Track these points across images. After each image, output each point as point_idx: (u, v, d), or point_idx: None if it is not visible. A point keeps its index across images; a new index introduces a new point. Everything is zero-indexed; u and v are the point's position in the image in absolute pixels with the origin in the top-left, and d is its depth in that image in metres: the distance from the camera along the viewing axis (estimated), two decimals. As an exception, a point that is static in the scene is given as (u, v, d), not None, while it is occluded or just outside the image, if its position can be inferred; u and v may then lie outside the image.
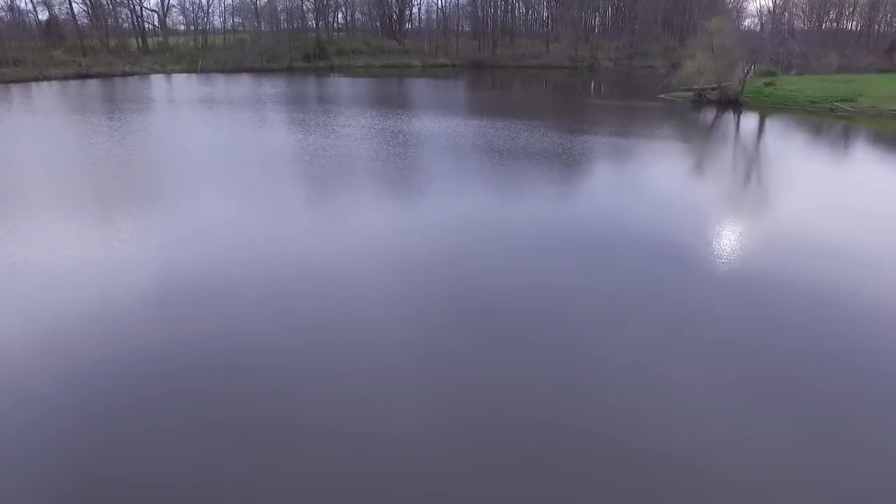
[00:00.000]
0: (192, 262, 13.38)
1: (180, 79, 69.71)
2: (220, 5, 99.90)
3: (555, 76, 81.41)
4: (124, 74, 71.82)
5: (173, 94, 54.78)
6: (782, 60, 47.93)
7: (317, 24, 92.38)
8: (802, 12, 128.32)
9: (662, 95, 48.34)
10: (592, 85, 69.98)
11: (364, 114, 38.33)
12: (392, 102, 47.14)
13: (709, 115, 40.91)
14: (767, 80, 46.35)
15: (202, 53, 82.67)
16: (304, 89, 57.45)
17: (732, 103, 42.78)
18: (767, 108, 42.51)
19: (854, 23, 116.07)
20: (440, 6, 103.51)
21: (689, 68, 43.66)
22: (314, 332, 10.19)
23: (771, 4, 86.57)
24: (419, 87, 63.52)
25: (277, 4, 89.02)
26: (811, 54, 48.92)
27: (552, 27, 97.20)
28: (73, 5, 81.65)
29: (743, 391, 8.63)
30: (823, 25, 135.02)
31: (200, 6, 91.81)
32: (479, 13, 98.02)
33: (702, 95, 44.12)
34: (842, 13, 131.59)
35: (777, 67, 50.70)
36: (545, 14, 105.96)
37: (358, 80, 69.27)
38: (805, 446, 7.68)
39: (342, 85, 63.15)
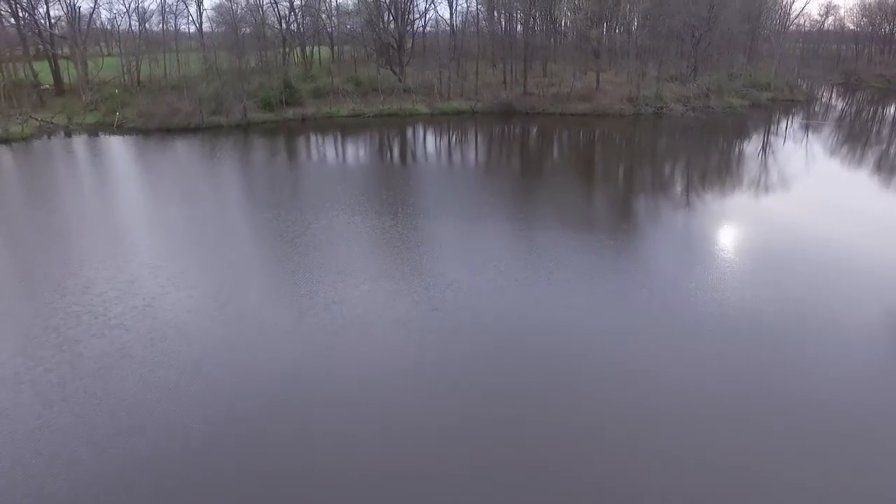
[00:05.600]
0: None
1: (78, 154, 46.14)
2: (160, 20, 74.21)
3: (614, 127, 58.42)
4: (-9, 142, 48.15)
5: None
6: None
7: (284, 53, 68.33)
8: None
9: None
10: (690, 155, 46.65)
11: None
12: (390, 275, 23.80)
13: None
14: None
15: (124, 98, 59.05)
16: (247, 227, 33.71)
17: None
18: None
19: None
20: (451, 23, 78.93)
21: None
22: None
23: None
24: (431, 198, 40.32)
25: (240, 30, 64.89)
26: None
27: (597, 48, 72.82)
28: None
29: None
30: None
31: (131, 25, 67.78)
32: (502, 33, 74.30)
33: None
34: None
35: None
36: (567, 25, 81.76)
37: (340, 160, 45.96)
38: None
39: (316, 204, 39.84)
